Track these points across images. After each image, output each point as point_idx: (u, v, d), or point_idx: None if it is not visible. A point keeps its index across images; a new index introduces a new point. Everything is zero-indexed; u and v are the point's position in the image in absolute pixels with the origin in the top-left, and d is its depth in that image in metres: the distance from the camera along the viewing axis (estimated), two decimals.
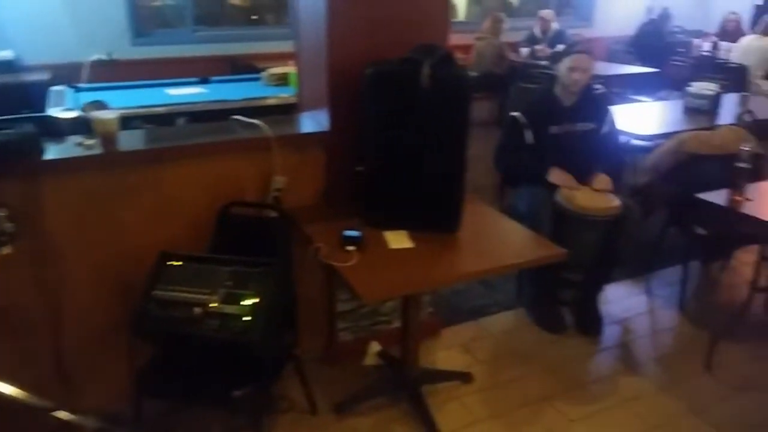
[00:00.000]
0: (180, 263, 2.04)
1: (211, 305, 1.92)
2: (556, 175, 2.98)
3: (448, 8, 2.46)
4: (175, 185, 2.24)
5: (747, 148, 2.49)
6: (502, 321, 3.12)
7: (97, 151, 2.11)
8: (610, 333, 3.02)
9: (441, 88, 2.03)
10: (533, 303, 3.16)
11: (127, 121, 3.14)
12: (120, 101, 3.63)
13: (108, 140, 2.11)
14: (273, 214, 2.28)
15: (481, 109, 7.08)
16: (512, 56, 6.95)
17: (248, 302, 1.92)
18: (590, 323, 3.02)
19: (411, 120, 2.10)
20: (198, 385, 2.01)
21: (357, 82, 2.14)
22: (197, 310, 1.91)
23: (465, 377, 2.65)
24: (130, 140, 2.25)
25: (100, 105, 2.66)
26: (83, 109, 2.57)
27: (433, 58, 2.02)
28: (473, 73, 6.89)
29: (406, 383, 2.50)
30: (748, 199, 2.49)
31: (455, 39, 8.48)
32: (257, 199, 2.37)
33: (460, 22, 8.44)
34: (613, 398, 2.56)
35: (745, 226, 2.56)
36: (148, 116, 3.35)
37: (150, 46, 6.09)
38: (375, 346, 2.68)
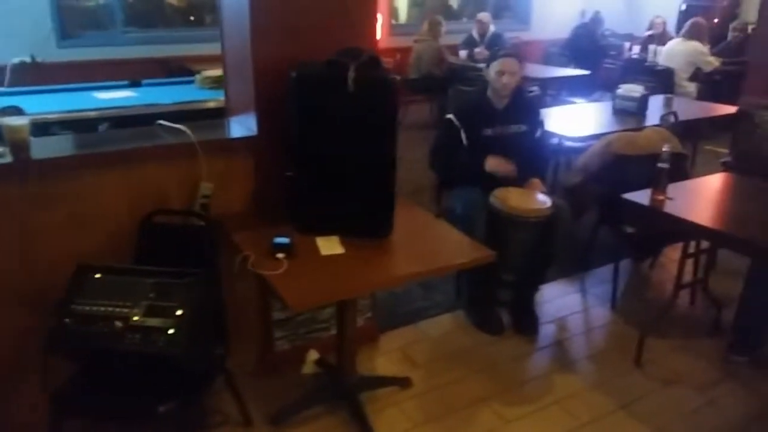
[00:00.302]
0: (99, 275, 1.94)
1: (133, 318, 1.84)
2: (492, 163, 3.01)
3: (375, 11, 2.44)
4: (94, 194, 2.14)
5: (667, 149, 2.58)
6: (441, 323, 3.13)
7: (7, 159, 1.99)
8: (545, 332, 3.07)
9: (367, 92, 2.01)
10: (471, 304, 3.18)
11: (46, 127, 3.01)
12: (40, 106, 3.47)
13: (19, 148, 1.99)
14: (200, 222, 2.21)
15: (420, 111, 7.15)
16: (451, 59, 7.03)
17: (172, 314, 1.84)
18: (526, 323, 3.07)
19: (338, 124, 2.08)
20: (121, 402, 1.92)
21: (284, 85, 2.10)
22: (118, 324, 1.83)
23: (403, 382, 2.64)
24: (46, 148, 2.13)
25: (14, 110, 2.53)
26: None
27: (359, 61, 2.00)
28: (412, 76, 6.94)
29: (344, 391, 2.47)
30: (669, 198, 2.57)
31: (396, 41, 8.54)
32: (184, 206, 2.29)
33: (401, 25, 8.50)
34: (548, 397, 2.60)
35: (667, 225, 2.64)
36: (70, 122, 3.20)
37: (78, 48, 5.86)
38: (313, 354, 2.64)
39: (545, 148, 3.37)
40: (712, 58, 6.38)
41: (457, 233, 2.36)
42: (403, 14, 8.84)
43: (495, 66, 3.03)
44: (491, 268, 2.41)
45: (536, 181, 3.09)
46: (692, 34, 6.37)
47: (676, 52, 6.38)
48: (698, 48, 6.32)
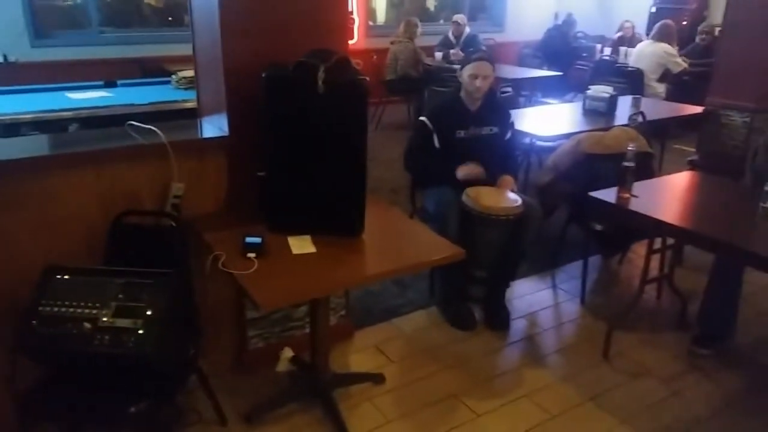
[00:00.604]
0: (68, 277, 1.93)
1: (102, 320, 1.83)
2: (463, 171, 3.06)
3: (346, 12, 2.47)
4: (63, 195, 2.13)
5: (632, 148, 2.64)
6: (415, 320, 3.17)
7: None
8: (517, 327, 3.13)
9: (337, 93, 2.04)
10: (444, 301, 3.23)
11: (16, 128, 3.00)
12: (11, 106, 3.44)
13: None
14: (171, 222, 2.22)
15: (397, 112, 7.20)
16: (427, 60, 7.09)
17: (142, 315, 1.85)
18: (498, 319, 3.12)
19: (308, 124, 2.11)
20: (91, 404, 1.91)
21: (255, 86, 2.12)
22: (87, 325, 1.82)
23: (377, 378, 2.67)
24: (14, 148, 2.13)
25: None
26: None
27: (328, 63, 2.02)
28: (389, 77, 6.99)
29: (318, 388, 2.49)
30: (634, 196, 2.64)
31: (373, 43, 8.57)
32: (156, 207, 2.30)
33: (379, 26, 8.54)
34: (518, 391, 2.65)
35: (632, 222, 2.71)
36: (41, 122, 3.18)
37: (52, 48, 5.80)
38: (288, 352, 2.65)
39: (516, 148, 3.44)
40: (680, 60, 6.51)
41: (429, 232, 2.40)
42: (381, 16, 8.88)
43: (468, 69, 3.08)
44: (463, 265, 2.46)
45: (508, 178, 3.14)
46: (662, 36, 6.49)
47: (646, 54, 6.50)
48: (667, 50, 6.44)
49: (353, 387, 2.62)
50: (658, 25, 6.64)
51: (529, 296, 3.42)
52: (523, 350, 2.98)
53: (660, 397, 2.62)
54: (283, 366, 2.60)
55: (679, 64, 6.46)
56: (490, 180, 3.11)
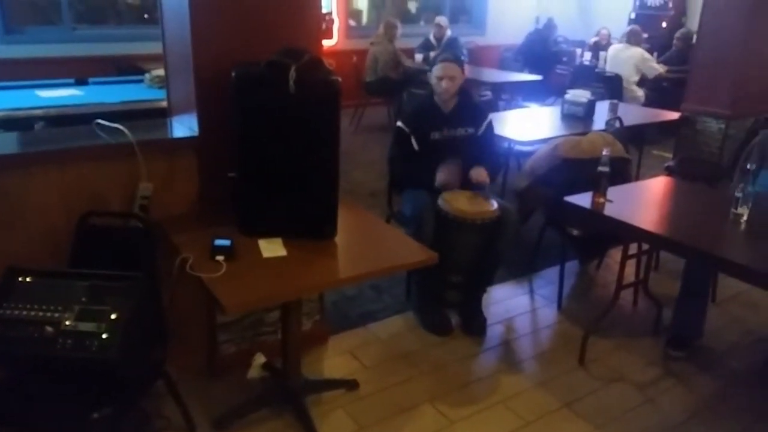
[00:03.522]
0: (30, 279, 1.87)
1: (65, 323, 1.78)
2: (440, 178, 3.01)
3: (319, 11, 2.44)
4: (26, 194, 2.07)
5: (606, 153, 2.64)
6: (391, 325, 3.14)
7: None
8: (493, 333, 3.11)
9: (308, 93, 2.00)
10: (420, 306, 3.20)
11: None
12: None
13: None
14: (138, 223, 2.16)
15: (377, 114, 7.17)
16: (407, 62, 7.07)
17: (106, 318, 1.79)
18: (474, 324, 3.10)
19: (280, 125, 2.06)
20: (53, 410, 1.85)
21: (226, 85, 2.07)
22: (49, 329, 1.77)
23: (351, 385, 2.63)
24: None
25: None
26: None
27: (300, 62, 1.98)
28: (369, 79, 6.96)
29: (290, 394, 2.44)
30: (609, 201, 2.63)
31: (353, 44, 8.54)
32: (123, 208, 2.24)
33: (359, 27, 8.51)
34: (493, 397, 2.62)
35: (607, 227, 2.71)
36: (6, 120, 3.09)
37: (22, 44, 5.67)
38: (260, 358, 2.60)
39: (494, 147, 3.39)
40: (656, 65, 6.61)
41: (402, 235, 2.37)
42: (362, 16, 8.85)
43: (435, 71, 3.07)
44: (439, 269, 2.43)
45: (480, 169, 3.05)
46: (637, 40, 6.64)
47: (623, 58, 6.60)
48: (643, 54, 6.56)
49: (326, 393, 2.58)
50: (629, 29, 6.83)
51: (506, 301, 3.41)
52: (499, 356, 2.96)
53: (635, 403, 2.61)
54: (254, 372, 2.55)
55: (655, 68, 6.55)
56: (467, 181, 3.08)
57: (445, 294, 3.14)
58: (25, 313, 1.80)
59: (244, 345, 2.70)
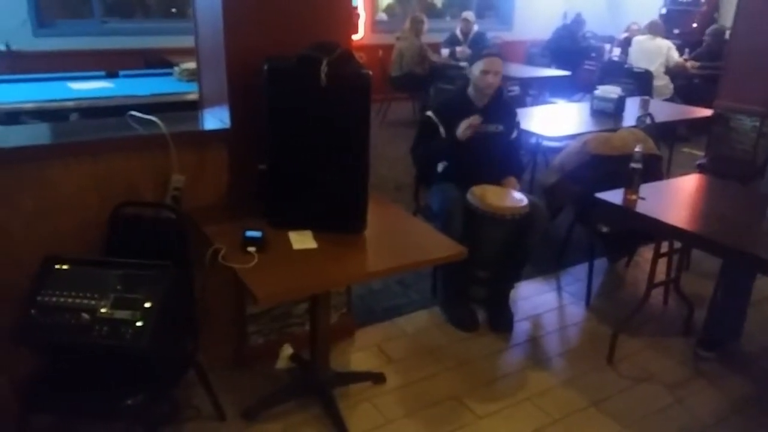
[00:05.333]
0: (67, 267, 1.91)
1: (100, 311, 1.81)
2: (462, 128, 2.96)
3: (350, 5, 2.43)
4: (62, 184, 2.10)
5: (639, 149, 2.60)
6: (417, 320, 3.13)
7: None
8: (520, 329, 3.08)
9: (340, 87, 2.00)
10: (446, 301, 3.19)
11: (15, 116, 2.96)
12: (12, 95, 3.41)
13: None
14: (171, 214, 2.18)
15: (402, 109, 7.15)
16: (433, 57, 7.04)
17: (140, 307, 1.82)
18: (501, 320, 3.08)
19: (310, 118, 2.06)
20: (89, 396, 1.89)
21: (258, 78, 2.07)
22: (85, 316, 1.80)
23: (377, 378, 2.63)
24: (13, 136, 2.09)
25: None
26: None
27: (331, 56, 1.98)
28: (394, 73, 6.94)
29: (317, 386, 2.46)
30: (641, 198, 2.59)
31: (379, 38, 8.52)
32: (155, 199, 2.26)
33: (384, 22, 8.48)
34: (520, 394, 2.61)
35: (639, 224, 2.67)
36: (41, 111, 3.14)
37: (54, 37, 5.77)
38: (287, 349, 2.62)
39: (521, 149, 3.41)
40: (676, 54, 6.64)
41: (431, 230, 2.36)
42: (387, 11, 8.83)
43: (480, 65, 3.03)
44: (466, 265, 2.42)
45: (512, 179, 3.11)
46: (659, 31, 6.72)
47: (650, 49, 6.60)
48: (667, 43, 6.63)
49: (353, 386, 2.58)
50: (651, 22, 6.83)
51: (534, 298, 3.38)
52: (526, 353, 2.93)
53: (664, 404, 2.58)
54: (282, 363, 2.57)
55: (675, 58, 6.61)
56: (495, 179, 3.07)
57: (471, 289, 3.12)
58: (62, 300, 1.83)
59: (272, 336, 2.72)
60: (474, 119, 2.96)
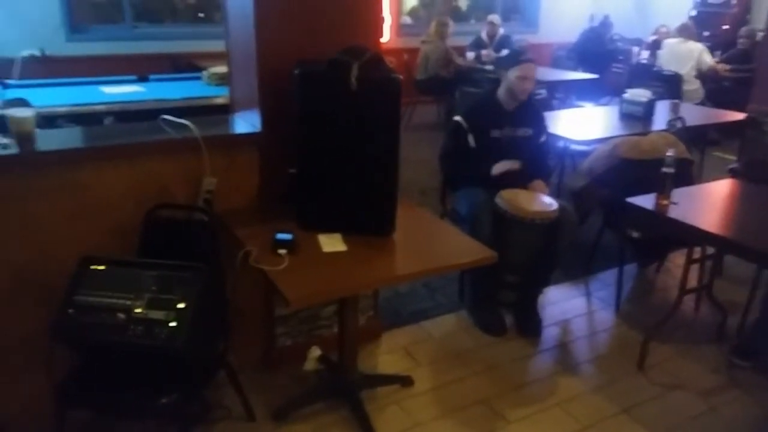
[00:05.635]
0: (103, 267, 1.95)
1: (135, 311, 1.85)
2: (499, 167, 3.03)
3: (380, 9, 2.44)
4: (97, 187, 2.15)
5: (671, 154, 2.56)
6: (444, 324, 3.12)
7: (13, 150, 1.99)
8: (549, 334, 3.06)
9: (370, 91, 2.01)
10: (474, 305, 3.17)
11: (52, 120, 3.03)
12: (47, 99, 3.49)
13: (24, 139, 2.00)
14: (203, 216, 2.21)
15: (427, 112, 7.14)
16: (458, 60, 7.02)
17: (174, 307, 1.85)
18: (529, 325, 3.05)
19: (341, 122, 2.08)
20: (123, 394, 1.92)
21: (288, 83, 2.10)
22: (121, 315, 1.84)
23: (405, 381, 2.63)
24: (50, 140, 2.14)
25: (21, 103, 2.54)
26: (2, 107, 2.44)
27: (362, 60, 1.99)
28: (420, 77, 6.94)
29: (345, 388, 2.47)
30: (673, 203, 2.55)
31: (404, 42, 8.50)
32: (187, 201, 2.29)
33: (409, 25, 8.49)
34: (549, 399, 2.58)
35: (670, 229, 2.63)
36: (76, 115, 3.21)
37: (86, 42, 5.88)
38: (315, 351, 2.63)
39: (549, 153, 3.40)
40: (709, 57, 6.52)
41: (460, 233, 2.36)
42: (412, 15, 8.83)
43: (517, 71, 3.02)
44: (494, 269, 2.41)
45: (539, 182, 3.09)
46: (690, 34, 6.59)
47: (683, 53, 6.47)
48: (700, 47, 6.50)
49: (381, 389, 2.59)
50: (683, 24, 6.69)
51: (562, 303, 3.35)
52: (555, 358, 2.91)
53: (696, 412, 2.53)
54: (310, 365, 2.58)
55: (708, 62, 6.47)
56: (522, 183, 3.05)
57: (499, 293, 3.10)
58: (99, 300, 1.87)
59: (300, 338, 2.74)
60: (513, 164, 3.03)
